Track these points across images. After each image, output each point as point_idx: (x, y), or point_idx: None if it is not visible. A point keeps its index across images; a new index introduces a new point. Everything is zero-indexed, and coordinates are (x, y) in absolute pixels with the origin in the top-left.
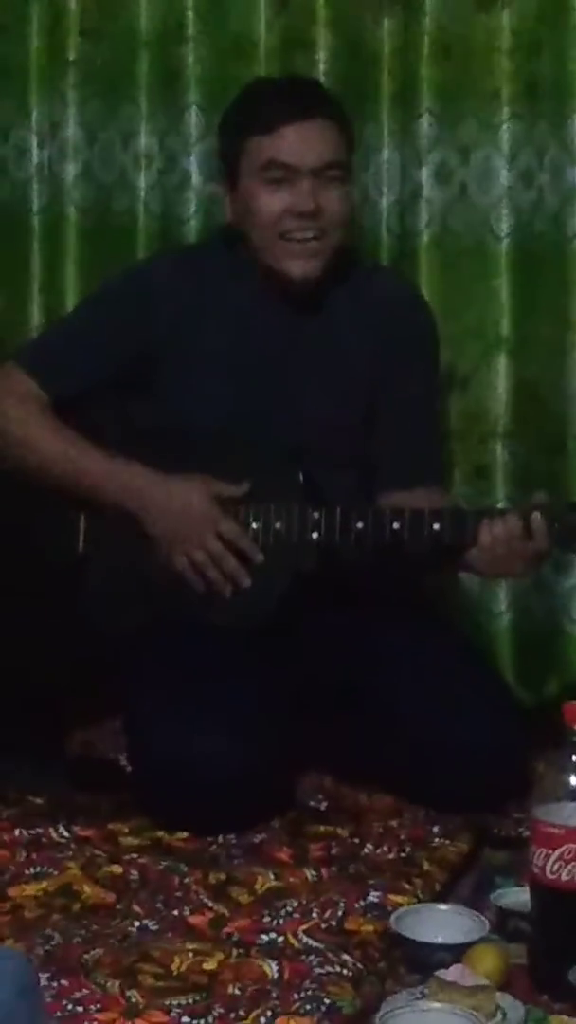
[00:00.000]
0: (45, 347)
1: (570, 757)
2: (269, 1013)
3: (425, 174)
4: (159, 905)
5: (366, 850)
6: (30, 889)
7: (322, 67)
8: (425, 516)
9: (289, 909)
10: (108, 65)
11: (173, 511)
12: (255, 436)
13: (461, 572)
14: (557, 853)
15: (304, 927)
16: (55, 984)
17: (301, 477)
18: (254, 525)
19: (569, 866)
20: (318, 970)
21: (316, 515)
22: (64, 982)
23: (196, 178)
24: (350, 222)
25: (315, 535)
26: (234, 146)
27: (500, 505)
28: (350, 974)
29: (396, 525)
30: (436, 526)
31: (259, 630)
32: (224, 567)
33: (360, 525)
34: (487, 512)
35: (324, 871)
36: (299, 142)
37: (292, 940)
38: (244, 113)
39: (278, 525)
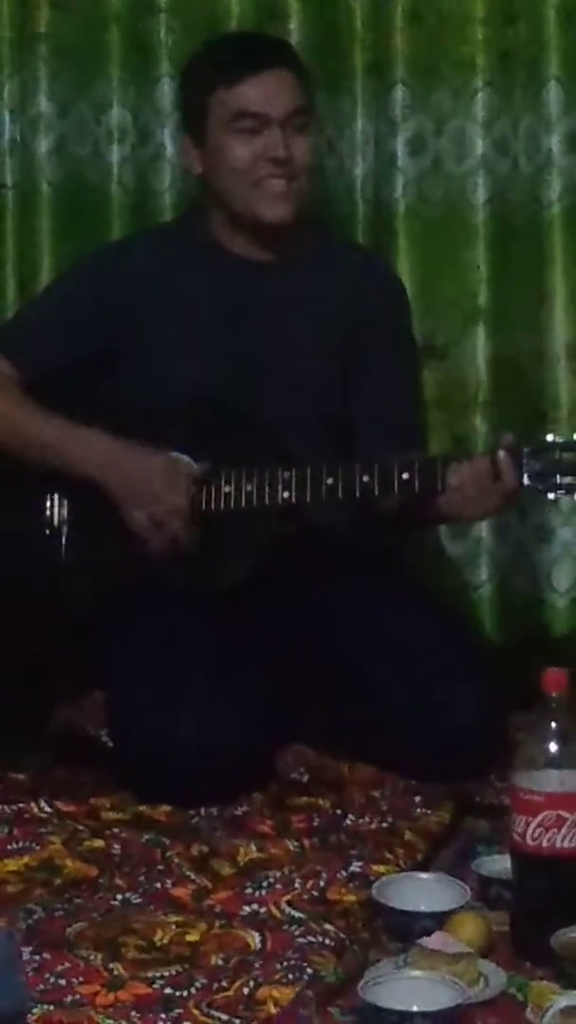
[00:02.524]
0: (17, 326)
1: (549, 724)
2: (252, 983)
3: (399, 143)
4: (141, 878)
5: (348, 821)
6: (12, 864)
7: (295, 37)
8: (394, 466)
9: (271, 880)
10: (79, 38)
11: (132, 473)
12: (227, 406)
13: (438, 523)
14: (537, 820)
15: (286, 897)
16: (37, 958)
17: (271, 445)
18: (226, 488)
19: (549, 832)
20: (300, 940)
21: (287, 474)
22: (47, 956)
23: (170, 151)
24: (316, 170)
25: (286, 494)
26: (200, 100)
27: None
28: (333, 944)
29: (366, 478)
30: (405, 475)
31: (235, 596)
32: (167, 532)
33: (330, 481)
34: (454, 457)
35: (306, 842)
36: (265, 91)
37: (275, 911)
38: (207, 67)
39: (249, 487)
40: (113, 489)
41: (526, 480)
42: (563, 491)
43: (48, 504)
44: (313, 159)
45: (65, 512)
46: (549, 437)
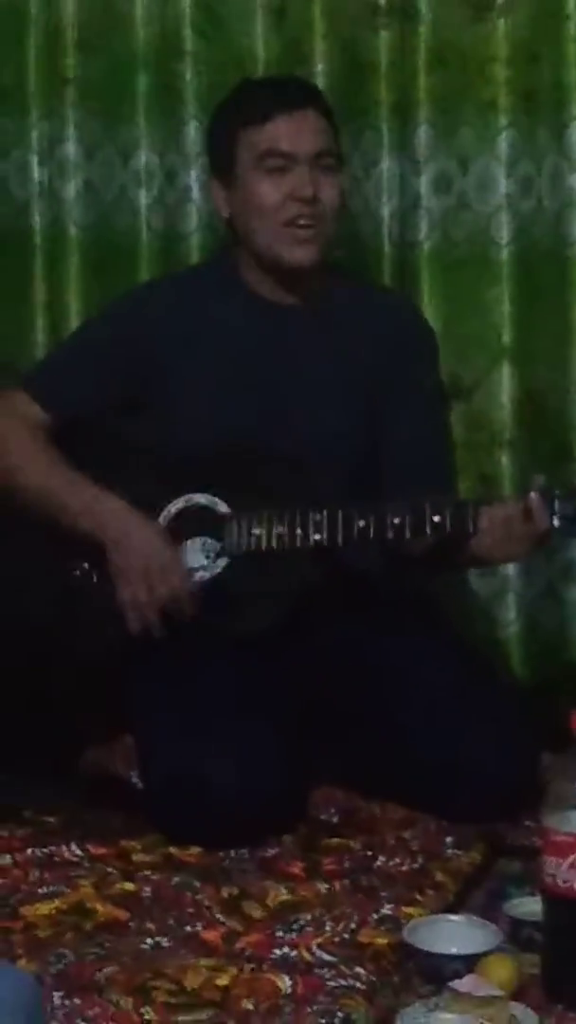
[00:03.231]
0: (47, 370)
1: None
2: None
3: (424, 183)
4: (172, 921)
5: (379, 862)
6: (43, 908)
7: (320, 79)
8: (426, 509)
9: (302, 923)
10: (106, 82)
11: (131, 550)
12: (255, 451)
13: (469, 566)
14: (568, 861)
15: (317, 940)
16: (68, 1003)
17: (302, 488)
18: (256, 531)
19: None
20: (331, 983)
21: (318, 517)
22: (77, 1000)
23: (196, 194)
24: (343, 215)
25: (317, 536)
26: (228, 140)
27: None
28: (364, 987)
29: (397, 520)
30: (436, 518)
31: (267, 637)
32: (149, 613)
33: (362, 523)
34: (486, 500)
35: (337, 884)
36: (294, 130)
37: (305, 954)
38: (236, 107)
39: (280, 529)
40: (114, 558)
41: (556, 522)
42: None
43: (78, 548)
44: (340, 201)
45: (93, 556)
46: None
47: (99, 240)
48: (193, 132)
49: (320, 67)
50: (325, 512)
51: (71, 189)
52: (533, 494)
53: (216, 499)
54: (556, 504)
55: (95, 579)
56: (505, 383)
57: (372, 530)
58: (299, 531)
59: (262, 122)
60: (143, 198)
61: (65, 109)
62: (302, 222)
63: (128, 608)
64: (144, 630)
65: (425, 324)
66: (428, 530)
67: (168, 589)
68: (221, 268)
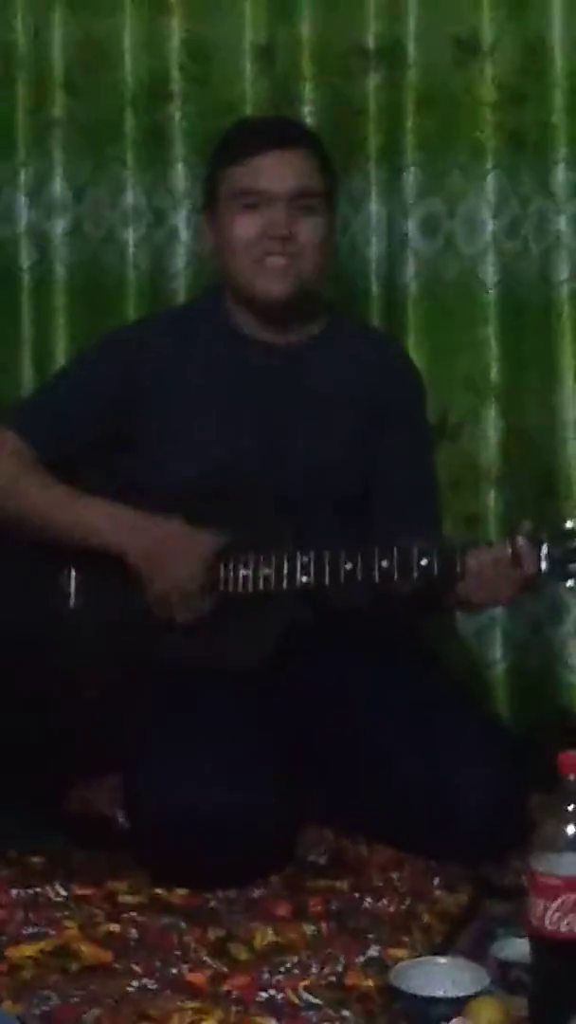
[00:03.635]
0: (34, 407)
1: (567, 807)
2: None
3: (412, 225)
4: (158, 963)
5: (366, 904)
6: (28, 949)
7: (309, 121)
8: (413, 552)
9: (289, 965)
10: (94, 122)
11: (153, 544)
12: (242, 489)
13: (455, 609)
14: (556, 904)
15: (304, 983)
16: None
17: (290, 527)
18: (243, 572)
19: (568, 917)
20: None
21: (305, 559)
22: None
23: (184, 233)
24: (329, 255)
25: (304, 579)
26: (214, 177)
27: None
28: None
29: (385, 563)
30: (424, 561)
31: (253, 677)
32: (188, 604)
33: (349, 566)
34: (474, 543)
35: (324, 926)
36: (272, 170)
37: (292, 996)
38: (224, 146)
39: (266, 571)
40: (134, 560)
41: (544, 567)
42: None
43: (63, 584)
44: (320, 242)
45: (80, 592)
46: (568, 524)
47: (86, 279)
48: (181, 173)
49: (308, 109)
50: (312, 554)
51: (58, 229)
52: (520, 538)
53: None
54: (544, 548)
55: (83, 615)
56: (492, 423)
57: (359, 573)
58: (286, 573)
59: (243, 160)
60: (131, 237)
61: (53, 149)
62: (274, 258)
63: (165, 603)
64: (191, 615)
65: (412, 366)
66: (415, 573)
67: (200, 568)
68: (209, 306)
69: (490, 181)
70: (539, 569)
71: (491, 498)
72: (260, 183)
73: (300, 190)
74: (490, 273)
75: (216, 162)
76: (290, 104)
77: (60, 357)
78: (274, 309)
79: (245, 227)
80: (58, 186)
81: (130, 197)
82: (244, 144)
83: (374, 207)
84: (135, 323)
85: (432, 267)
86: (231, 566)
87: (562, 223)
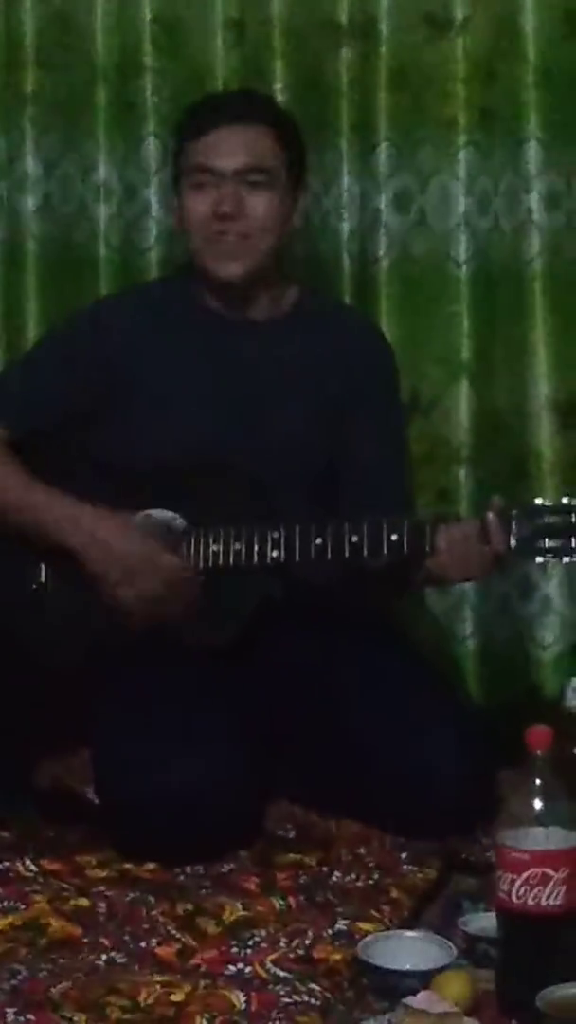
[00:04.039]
0: (5, 385)
1: (534, 782)
2: None
3: (384, 201)
4: (126, 937)
5: (334, 878)
6: None
7: (279, 97)
8: (383, 527)
9: (257, 939)
10: (65, 97)
11: (110, 549)
12: (214, 467)
13: (426, 586)
14: (523, 877)
15: (272, 957)
16: (22, 1019)
17: (261, 504)
18: (213, 547)
19: (535, 890)
20: (286, 1000)
21: (275, 534)
22: (31, 1017)
23: (156, 209)
24: (286, 231)
25: (275, 553)
26: (175, 154)
27: None
28: (318, 1003)
29: (355, 538)
30: (394, 536)
31: (223, 653)
32: (161, 607)
33: (319, 541)
34: (443, 519)
35: (292, 900)
36: (221, 146)
37: (260, 970)
38: (184, 121)
39: (237, 546)
40: (89, 563)
41: (513, 543)
42: (550, 554)
43: (34, 560)
44: (273, 218)
45: (52, 568)
46: (537, 500)
47: (57, 255)
48: (152, 147)
49: (279, 85)
50: (283, 529)
51: (30, 204)
52: (490, 514)
53: (174, 514)
54: (513, 524)
55: (52, 590)
56: (463, 400)
57: (330, 548)
58: (256, 548)
59: (197, 136)
60: (102, 213)
61: (24, 124)
62: (224, 238)
63: (130, 606)
64: (153, 623)
65: (384, 342)
66: (385, 549)
67: (159, 580)
68: (179, 284)
69: (462, 157)
70: (508, 546)
71: (462, 475)
72: (210, 160)
73: (248, 166)
74: (462, 249)
75: (179, 137)
76: (261, 79)
77: (31, 333)
78: (230, 287)
79: (195, 204)
80: (29, 161)
81: (101, 172)
82: (199, 120)
83: (346, 183)
84: (105, 299)
85: (404, 243)
86: (201, 542)
87: (533, 200)
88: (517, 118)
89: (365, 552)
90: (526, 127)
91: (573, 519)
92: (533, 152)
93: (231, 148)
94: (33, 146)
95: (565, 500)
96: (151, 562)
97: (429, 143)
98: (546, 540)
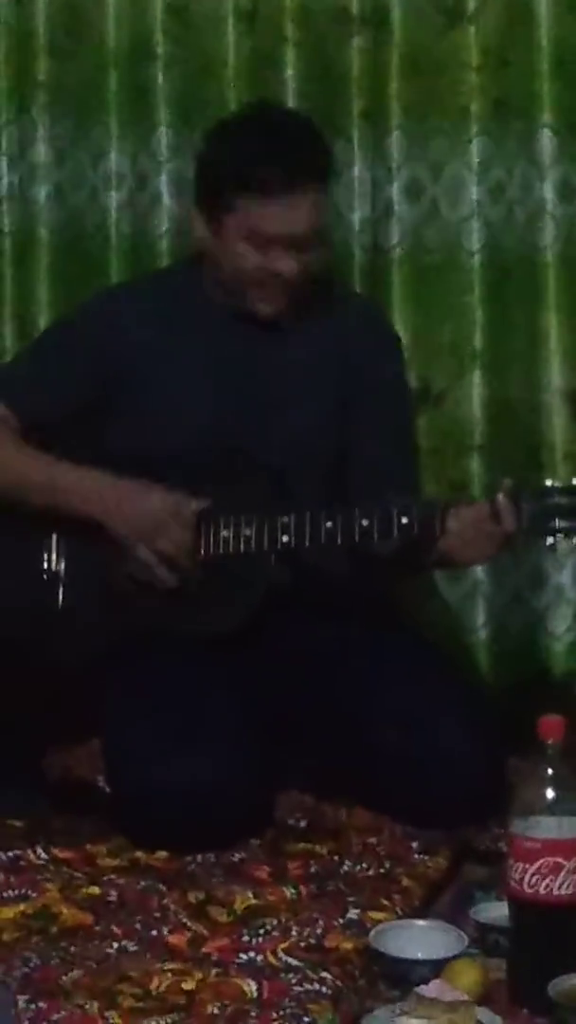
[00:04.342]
0: (15, 373)
1: (546, 771)
2: None
3: (396, 190)
4: (138, 926)
5: (345, 867)
6: (8, 912)
7: (291, 85)
8: (393, 511)
9: (268, 927)
10: (77, 85)
11: (132, 506)
12: (226, 456)
13: (436, 568)
14: (535, 867)
15: (283, 945)
16: (33, 1007)
17: (272, 487)
18: (224, 532)
19: (547, 879)
20: (297, 988)
21: (286, 519)
22: (43, 1004)
23: (167, 197)
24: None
25: (285, 538)
26: (219, 196)
27: None
28: (329, 991)
29: (365, 522)
30: (404, 520)
31: (233, 640)
32: (188, 557)
33: (329, 524)
34: (453, 502)
35: (303, 889)
36: (286, 216)
37: (271, 958)
38: (234, 166)
39: (248, 532)
40: (116, 527)
41: (524, 523)
42: (561, 535)
43: (44, 551)
44: (320, 262)
45: (62, 559)
46: (548, 482)
47: (69, 242)
48: (164, 136)
49: (290, 73)
50: (293, 515)
51: (41, 192)
52: (501, 496)
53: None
54: (523, 505)
55: (63, 579)
56: (476, 389)
57: (340, 532)
58: (267, 533)
59: (256, 199)
60: (113, 201)
61: (35, 113)
62: (272, 289)
63: (148, 568)
64: (174, 581)
65: (390, 327)
66: (395, 532)
67: (185, 532)
68: (189, 274)
69: (474, 146)
70: (518, 526)
71: (474, 465)
72: (272, 228)
73: (309, 232)
74: (474, 239)
75: (223, 180)
76: (272, 67)
77: (43, 322)
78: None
79: (248, 255)
80: (41, 149)
81: (112, 161)
82: (260, 177)
83: (357, 172)
84: (114, 288)
85: (416, 233)
86: (212, 528)
87: (546, 189)
88: (530, 107)
89: (375, 536)
90: (540, 116)
91: None
92: (547, 141)
93: (296, 218)
94: (45, 134)
95: (575, 481)
96: (179, 511)
97: (441, 132)
98: (556, 520)
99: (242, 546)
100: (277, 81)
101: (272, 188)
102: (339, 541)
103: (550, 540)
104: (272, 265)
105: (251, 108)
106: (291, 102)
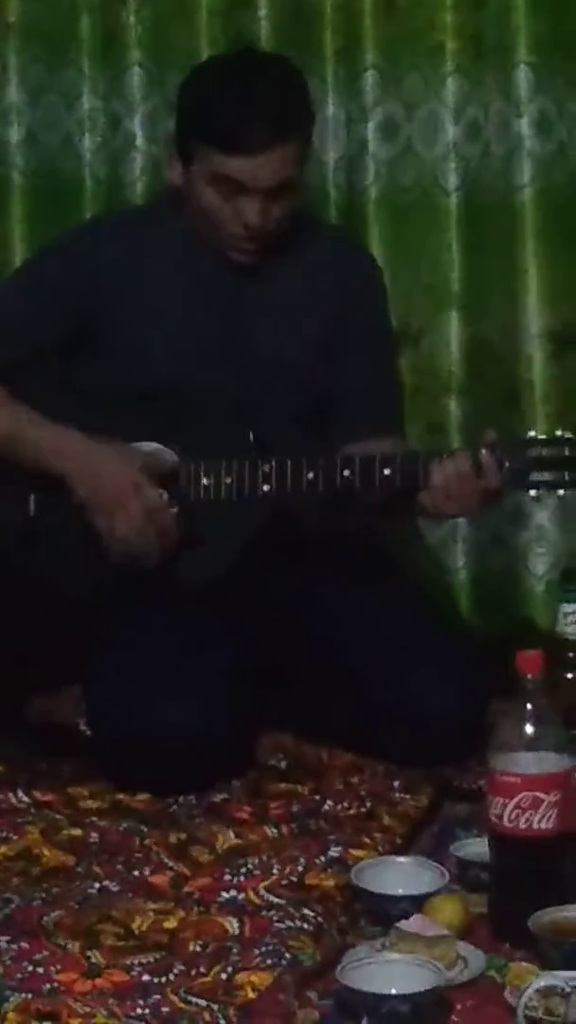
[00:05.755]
0: None
1: (524, 706)
2: (230, 969)
3: (370, 129)
4: (119, 866)
5: (326, 806)
6: None
7: (264, 24)
8: (376, 462)
9: (250, 866)
10: (49, 27)
11: (99, 476)
12: (203, 394)
13: (417, 518)
14: (514, 802)
15: (265, 884)
16: (15, 947)
17: (251, 434)
18: (204, 481)
19: (526, 814)
20: (279, 925)
21: (266, 468)
22: (24, 944)
23: (140, 140)
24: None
25: (266, 487)
26: (191, 143)
27: None
28: (311, 928)
29: (347, 472)
30: (387, 471)
31: (215, 587)
32: (142, 540)
33: (311, 475)
34: (437, 453)
35: (285, 828)
36: (256, 169)
37: (253, 897)
38: (205, 118)
39: (228, 480)
40: (78, 489)
41: (506, 477)
42: (544, 487)
43: (25, 497)
44: (291, 211)
45: (42, 505)
46: (531, 433)
47: (42, 186)
48: (137, 78)
49: (263, 12)
50: (274, 462)
51: (14, 135)
52: (484, 450)
53: (164, 447)
54: (506, 458)
55: (43, 524)
56: (453, 330)
57: (321, 482)
58: (248, 481)
59: (226, 151)
60: (87, 144)
61: (8, 54)
62: (245, 245)
63: (109, 537)
64: (130, 559)
65: (372, 262)
66: (377, 483)
67: (140, 515)
68: (166, 210)
69: (450, 84)
70: (502, 481)
71: (453, 406)
72: (240, 177)
73: (280, 184)
74: (451, 178)
75: (194, 130)
76: (246, 6)
77: (16, 264)
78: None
79: (219, 207)
80: (13, 92)
81: (85, 103)
82: (229, 131)
83: (331, 111)
84: (87, 223)
85: (391, 172)
86: (192, 475)
87: (524, 126)
88: (506, 44)
89: (357, 486)
90: (516, 53)
91: (566, 452)
92: (523, 77)
93: (266, 171)
94: (17, 77)
95: (559, 433)
96: (135, 496)
97: (416, 70)
98: (539, 473)
99: (223, 494)
100: (250, 20)
101: (238, 143)
102: (320, 490)
103: (533, 492)
104: (241, 215)
105: (231, 55)
106: (264, 42)
